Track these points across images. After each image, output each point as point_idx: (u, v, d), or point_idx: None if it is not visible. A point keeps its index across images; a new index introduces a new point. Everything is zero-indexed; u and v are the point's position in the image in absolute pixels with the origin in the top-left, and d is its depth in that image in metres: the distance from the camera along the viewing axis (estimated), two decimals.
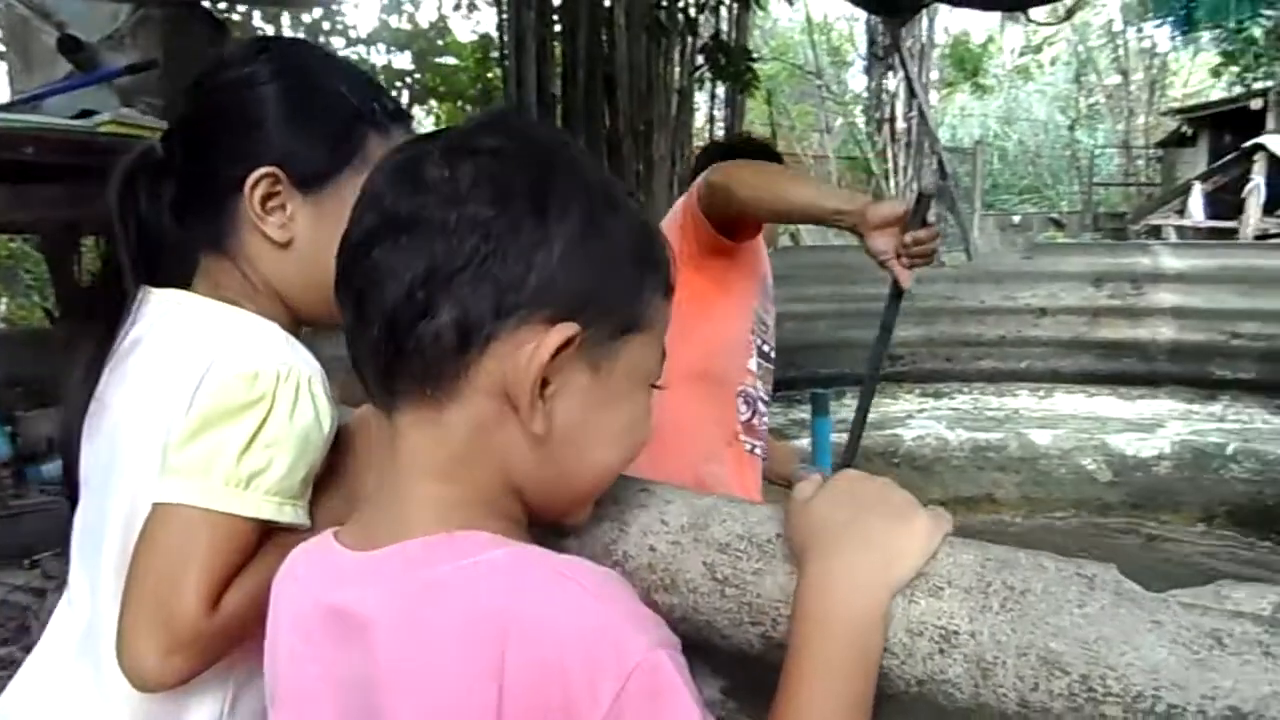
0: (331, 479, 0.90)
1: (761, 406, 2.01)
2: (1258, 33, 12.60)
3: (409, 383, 0.62)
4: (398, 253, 0.60)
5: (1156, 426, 5.06)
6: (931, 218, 1.60)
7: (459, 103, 9.41)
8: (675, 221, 1.76)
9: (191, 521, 0.79)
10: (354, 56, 9.21)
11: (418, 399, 0.62)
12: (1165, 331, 5.56)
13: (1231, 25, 12.39)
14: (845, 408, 5.23)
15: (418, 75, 9.11)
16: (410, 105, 9.11)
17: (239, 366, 0.83)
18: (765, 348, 1.98)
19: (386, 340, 0.61)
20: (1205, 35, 13.59)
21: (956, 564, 0.62)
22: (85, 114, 3.10)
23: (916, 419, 5.34)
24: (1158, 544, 4.18)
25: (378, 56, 9.38)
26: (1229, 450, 4.62)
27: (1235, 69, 13.51)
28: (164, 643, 0.77)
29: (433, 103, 9.29)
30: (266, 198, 0.93)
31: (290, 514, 0.84)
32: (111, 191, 0.91)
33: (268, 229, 0.93)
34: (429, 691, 0.56)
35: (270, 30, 9.08)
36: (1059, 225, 17.63)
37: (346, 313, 0.65)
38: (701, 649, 0.74)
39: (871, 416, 5.81)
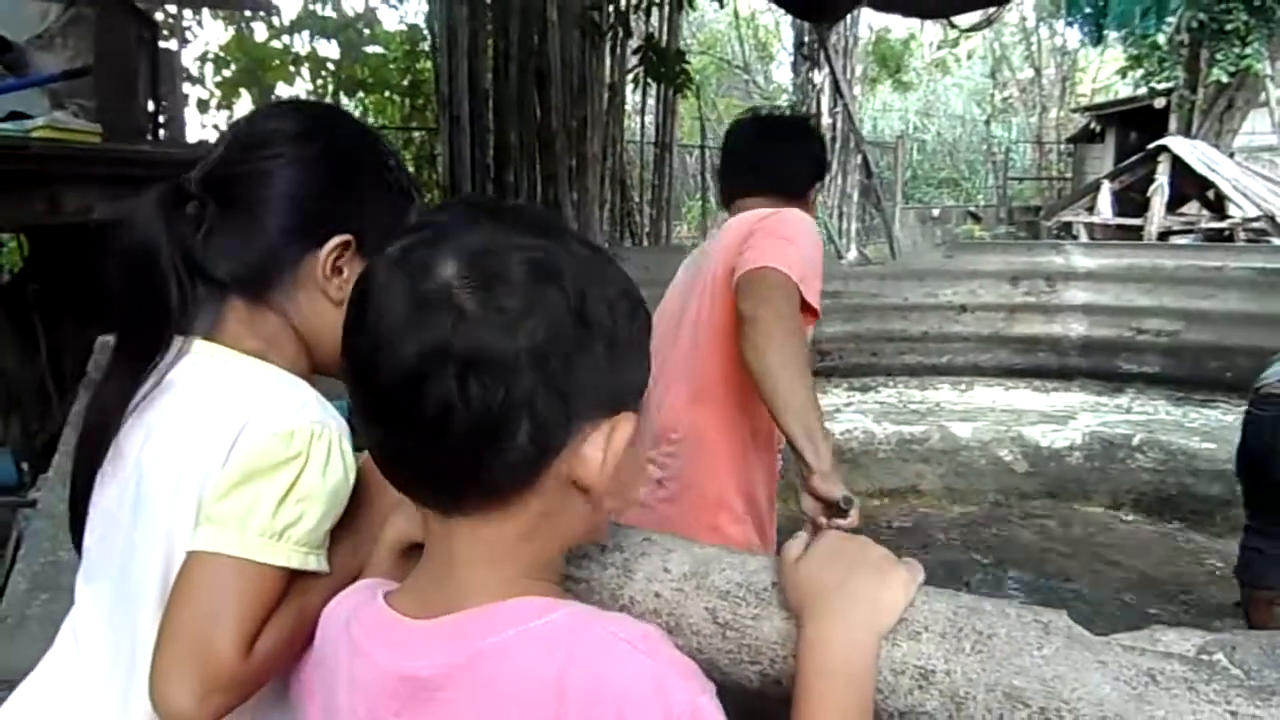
0: (343, 522, 0.94)
1: None
2: (1161, 39, 13.20)
3: (479, 496, 0.67)
4: (465, 387, 0.62)
5: (1069, 418, 5.32)
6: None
7: (386, 93, 9.30)
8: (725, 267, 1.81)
9: (228, 570, 0.84)
10: (278, 44, 9.02)
11: (485, 507, 0.67)
12: (1077, 327, 5.84)
13: (1138, 30, 12.96)
14: None
15: (343, 65, 8.97)
16: (336, 96, 8.97)
17: (276, 425, 0.87)
18: None
19: (463, 459, 0.64)
20: (1113, 34, 14.16)
21: (932, 611, 0.72)
22: (15, 116, 3.04)
23: (844, 413, 5.52)
24: (1071, 531, 4.41)
25: (301, 44, 9.18)
26: (1135, 441, 4.88)
27: (1140, 71, 14.12)
28: (202, 685, 0.82)
29: (360, 94, 9.15)
30: (336, 260, 0.98)
31: (314, 562, 0.89)
32: (152, 228, 0.91)
33: (330, 289, 0.98)
34: None
35: (197, 25, 8.84)
36: (976, 219, 18.22)
37: (392, 436, 0.67)
38: None
39: None
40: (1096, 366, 5.74)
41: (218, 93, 8.16)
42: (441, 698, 0.66)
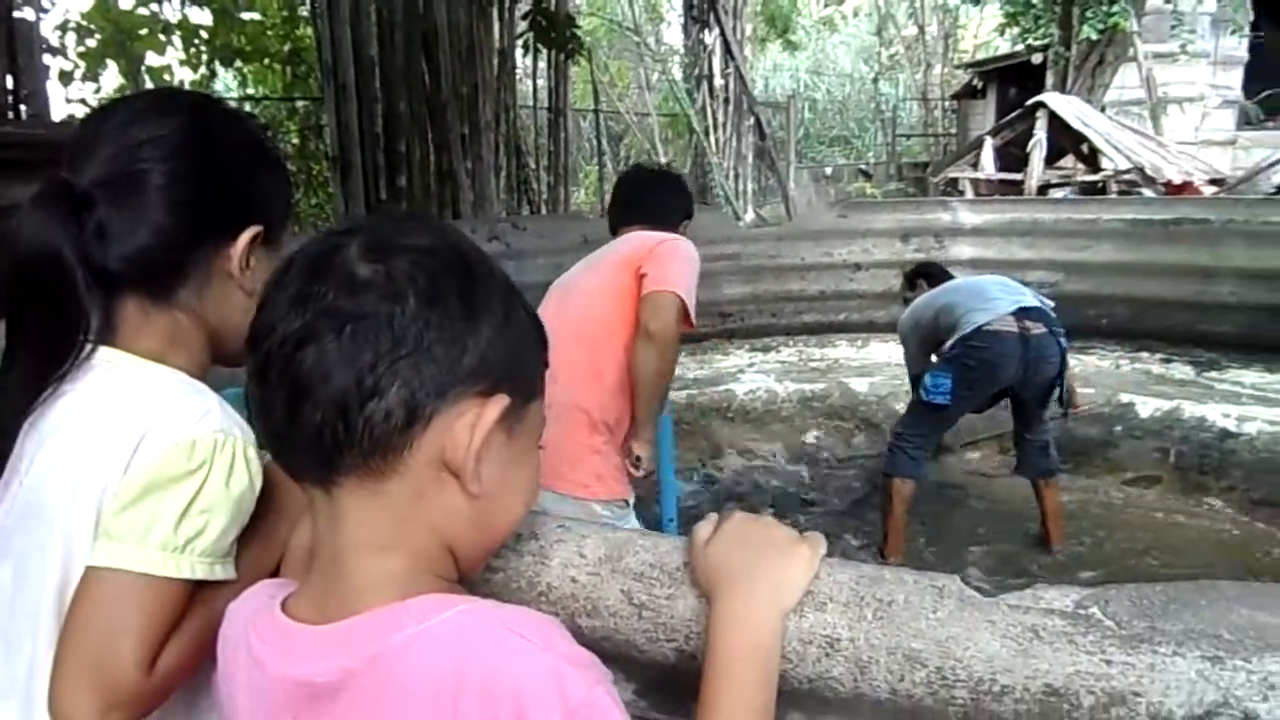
0: (250, 528, 0.93)
1: None
2: None
3: (355, 458, 0.68)
4: (344, 344, 0.65)
5: None
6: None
7: (266, 62, 8.94)
8: (630, 276, 2.43)
9: (128, 585, 0.82)
10: (145, 12, 8.56)
11: (362, 473, 0.68)
12: None
13: None
14: (692, 368, 5.46)
15: (218, 33, 8.57)
16: (212, 65, 8.58)
17: (178, 435, 0.85)
18: None
19: (335, 422, 0.67)
20: None
21: (836, 582, 0.76)
22: None
23: (747, 373, 5.62)
24: (953, 476, 4.62)
25: (171, 12, 8.73)
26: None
27: (1016, 29, 14.56)
28: (102, 702, 0.80)
29: (238, 63, 8.76)
30: (247, 253, 0.96)
31: (220, 571, 0.88)
32: (47, 235, 0.87)
33: (245, 281, 0.96)
34: None
35: None
36: (867, 176, 18.65)
37: (274, 403, 0.69)
38: (619, 661, 0.85)
39: (704, 373, 6.01)
40: None
41: (82, 64, 7.70)
42: (339, 701, 0.66)
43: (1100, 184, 10.55)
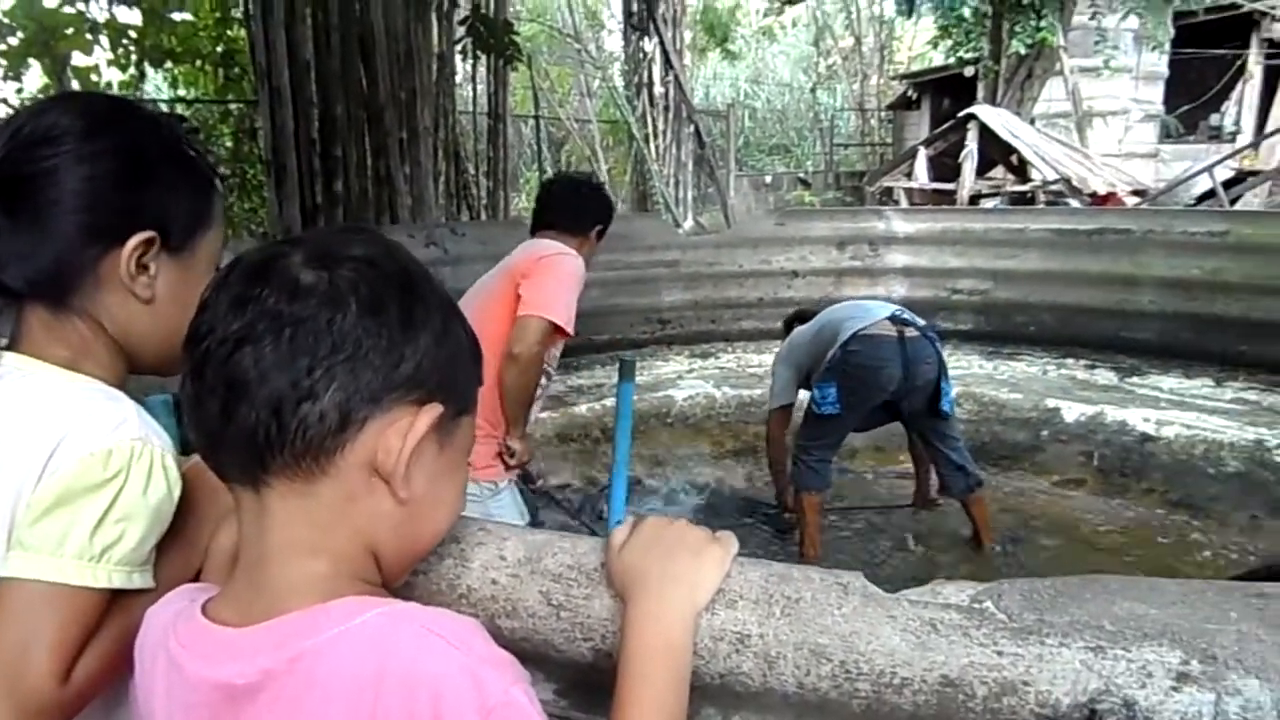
0: (170, 534, 0.92)
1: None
2: (967, 11, 13.99)
3: (287, 459, 0.68)
4: (282, 347, 0.67)
5: None
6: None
7: (198, 64, 8.76)
8: (512, 289, 2.66)
9: (43, 597, 0.81)
10: (70, 10, 8.33)
11: (292, 474, 0.69)
12: (898, 289, 6.19)
13: (946, 3, 13.71)
14: (643, 374, 5.48)
15: (148, 33, 8.37)
16: (141, 66, 8.38)
17: (93, 444, 0.84)
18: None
19: (269, 422, 0.67)
20: (925, 4, 14.93)
21: (746, 580, 0.79)
22: None
23: (686, 379, 5.67)
24: (889, 480, 4.71)
25: (99, 10, 8.51)
26: (953, 395, 5.23)
27: (949, 42, 14.92)
28: (18, 713, 0.79)
29: (169, 65, 8.57)
30: (140, 258, 0.93)
31: (139, 580, 0.87)
32: None
33: (136, 288, 0.94)
34: None
35: None
36: (805, 184, 18.89)
37: (209, 401, 0.69)
38: (539, 661, 0.87)
39: (644, 379, 6.02)
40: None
41: (3, 63, 7.47)
42: (258, 703, 0.67)
43: (1029, 194, 10.86)
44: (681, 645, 0.76)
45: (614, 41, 18.24)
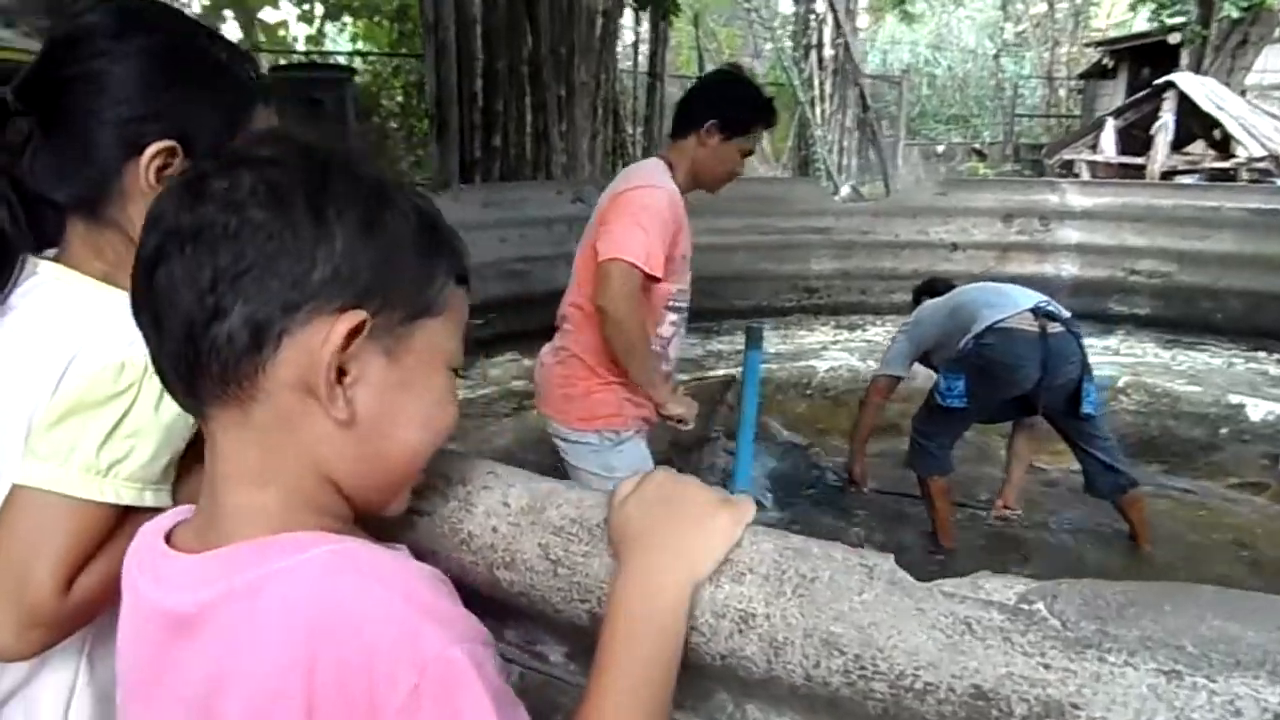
0: (193, 454, 0.91)
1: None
2: None
3: (212, 386, 0.64)
4: (185, 263, 0.62)
5: None
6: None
7: (375, 19, 9.09)
8: (596, 228, 2.38)
9: (48, 506, 0.81)
10: None
11: (223, 402, 0.65)
12: (1069, 267, 5.76)
13: None
14: (775, 342, 5.34)
15: None
16: (324, 21, 8.77)
17: (107, 357, 0.83)
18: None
19: (185, 348, 0.63)
20: None
21: (758, 552, 0.68)
22: None
23: (830, 350, 5.47)
24: (1049, 474, 4.38)
25: None
26: (1121, 384, 4.83)
27: (1153, 5, 13.72)
28: (19, 620, 0.80)
29: (347, 19, 8.94)
30: (162, 169, 0.90)
31: (151, 498, 0.86)
32: None
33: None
34: (251, 689, 0.59)
35: None
36: (981, 156, 17.92)
37: (148, 333, 0.66)
38: (542, 620, 0.80)
39: (786, 347, 5.88)
40: (1087, 308, 5.63)
41: (202, 15, 7.97)
42: (199, 635, 0.63)
43: (1231, 171, 9.88)
44: (667, 616, 0.67)
45: (786, 3, 17.76)
